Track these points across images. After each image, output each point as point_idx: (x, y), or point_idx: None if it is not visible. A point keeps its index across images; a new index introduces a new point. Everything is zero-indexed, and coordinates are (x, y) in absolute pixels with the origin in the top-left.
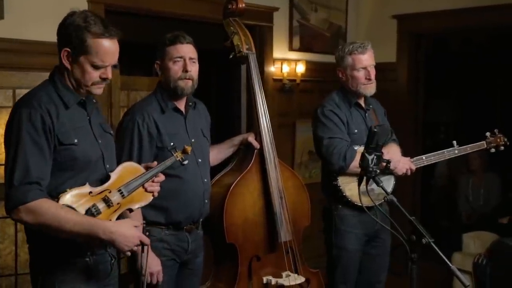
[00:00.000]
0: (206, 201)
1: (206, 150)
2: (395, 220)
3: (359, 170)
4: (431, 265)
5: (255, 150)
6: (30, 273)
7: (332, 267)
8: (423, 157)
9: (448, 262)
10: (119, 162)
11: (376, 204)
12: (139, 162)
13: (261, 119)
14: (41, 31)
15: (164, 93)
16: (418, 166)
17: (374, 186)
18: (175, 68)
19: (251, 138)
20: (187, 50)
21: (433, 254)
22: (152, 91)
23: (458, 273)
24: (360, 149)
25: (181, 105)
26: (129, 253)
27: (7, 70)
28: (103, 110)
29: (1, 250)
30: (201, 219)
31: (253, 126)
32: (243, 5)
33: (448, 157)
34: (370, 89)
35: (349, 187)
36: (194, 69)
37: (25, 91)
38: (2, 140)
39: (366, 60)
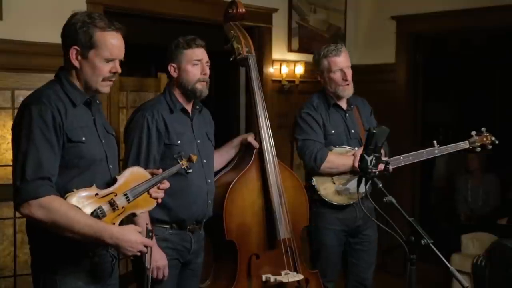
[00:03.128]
0: (210, 201)
1: (210, 152)
2: (394, 221)
3: (331, 170)
4: (430, 266)
5: (255, 150)
6: (32, 273)
7: (313, 262)
8: (401, 157)
9: (447, 263)
10: (128, 157)
11: (350, 203)
12: (147, 157)
13: (260, 119)
14: (40, 32)
15: (173, 94)
16: (395, 166)
17: (349, 185)
18: (194, 71)
19: (250, 138)
20: (203, 54)
21: (432, 255)
22: (160, 93)
23: (457, 274)
24: (337, 149)
25: (188, 107)
26: (132, 258)
27: (6, 71)
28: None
29: (0, 251)
30: (204, 220)
31: (253, 126)
32: (243, 10)
33: (428, 157)
34: (347, 90)
35: (324, 186)
36: (208, 72)
37: (24, 92)
38: (2, 141)
39: (341, 62)
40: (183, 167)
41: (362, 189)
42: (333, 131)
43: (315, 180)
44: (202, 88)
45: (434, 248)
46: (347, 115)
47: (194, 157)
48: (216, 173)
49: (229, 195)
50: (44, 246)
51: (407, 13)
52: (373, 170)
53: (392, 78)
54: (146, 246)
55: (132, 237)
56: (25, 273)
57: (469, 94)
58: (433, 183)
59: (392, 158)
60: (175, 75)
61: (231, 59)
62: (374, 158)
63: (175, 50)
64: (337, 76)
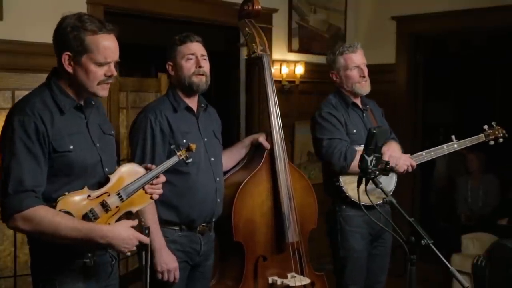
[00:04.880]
0: (219, 200)
1: (218, 150)
2: (394, 221)
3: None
4: (430, 267)
5: (266, 150)
6: (31, 274)
7: (340, 269)
8: (423, 153)
9: (447, 264)
10: (133, 160)
11: (376, 203)
12: (153, 158)
13: (272, 119)
14: (40, 32)
15: (176, 93)
16: (419, 162)
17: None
18: (188, 65)
19: (261, 139)
20: (197, 48)
21: (432, 255)
22: (164, 93)
23: (457, 274)
24: (360, 148)
25: (193, 105)
26: (129, 253)
27: (6, 71)
28: None
29: (0, 251)
30: (213, 219)
31: (263, 126)
32: (259, 6)
33: (448, 152)
34: (365, 87)
35: (352, 186)
36: (206, 65)
37: (24, 92)
38: None
39: (358, 59)
40: (181, 157)
41: (391, 186)
42: (354, 131)
43: (342, 181)
44: (199, 81)
45: (434, 249)
46: (364, 114)
47: (193, 146)
48: (225, 172)
49: (239, 196)
50: (43, 247)
51: (407, 13)
52: (373, 170)
53: (392, 78)
54: (142, 244)
55: (124, 234)
56: (25, 273)
57: (469, 94)
58: (433, 183)
59: (415, 154)
60: (172, 73)
61: (246, 57)
62: (374, 158)
63: (170, 48)
64: (354, 73)
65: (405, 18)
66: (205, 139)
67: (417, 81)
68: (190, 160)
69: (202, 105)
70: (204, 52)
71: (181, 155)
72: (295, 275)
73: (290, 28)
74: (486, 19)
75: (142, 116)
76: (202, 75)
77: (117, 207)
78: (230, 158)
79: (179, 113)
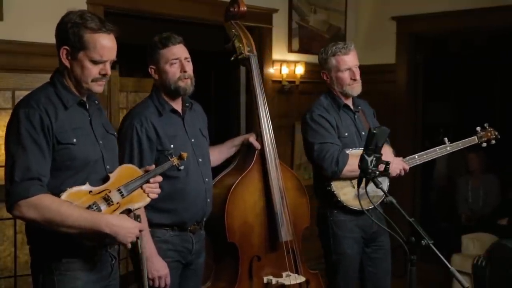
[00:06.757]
0: (208, 200)
1: (206, 150)
2: (394, 221)
3: (352, 174)
4: (430, 267)
5: (256, 151)
6: (31, 273)
7: (333, 273)
8: (416, 156)
9: (448, 264)
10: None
11: (374, 206)
12: (140, 166)
13: (262, 120)
14: (40, 32)
15: (160, 96)
16: (412, 165)
17: (368, 188)
18: (173, 70)
19: (252, 139)
20: (181, 51)
21: (432, 255)
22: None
23: (458, 274)
24: (351, 152)
25: (178, 106)
26: (130, 245)
27: (6, 71)
28: None
29: (0, 251)
30: (204, 219)
31: (254, 126)
32: (245, 8)
33: (441, 154)
34: (356, 88)
35: (344, 191)
36: (190, 68)
37: (24, 93)
38: (2, 141)
39: (350, 60)
40: (174, 164)
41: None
42: (346, 134)
43: (334, 185)
44: (186, 85)
45: (435, 249)
46: (355, 116)
47: (184, 155)
48: (216, 172)
49: (231, 197)
50: (43, 246)
51: (407, 13)
52: (374, 171)
53: (392, 79)
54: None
55: (128, 223)
56: (25, 273)
57: (469, 94)
58: (434, 183)
59: (407, 158)
60: (156, 77)
61: (232, 58)
62: (374, 158)
63: (152, 51)
64: (345, 75)
65: (405, 18)
66: (192, 140)
67: (417, 81)
68: (182, 167)
69: (187, 104)
70: (187, 54)
71: (174, 162)
72: (290, 273)
73: (290, 28)
74: (487, 19)
75: (128, 124)
76: (187, 78)
77: (117, 203)
78: (219, 155)
79: (164, 117)
